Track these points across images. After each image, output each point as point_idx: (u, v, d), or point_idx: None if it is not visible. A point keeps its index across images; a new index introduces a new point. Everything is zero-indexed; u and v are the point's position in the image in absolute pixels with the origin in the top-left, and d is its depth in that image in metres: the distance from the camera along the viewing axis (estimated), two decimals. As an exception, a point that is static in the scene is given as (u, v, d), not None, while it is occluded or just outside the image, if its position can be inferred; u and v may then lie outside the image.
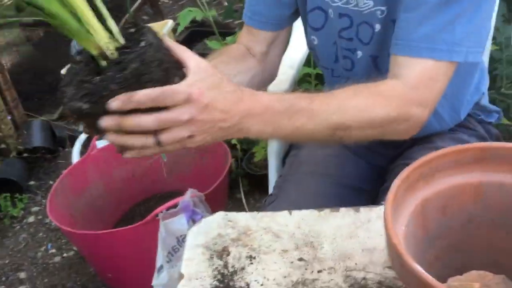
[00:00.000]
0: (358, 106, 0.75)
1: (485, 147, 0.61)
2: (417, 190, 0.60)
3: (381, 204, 0.70)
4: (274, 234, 0.79)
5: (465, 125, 1.02)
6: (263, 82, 1.00)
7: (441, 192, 0.61)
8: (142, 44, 0.61)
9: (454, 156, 0.61)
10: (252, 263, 0.75)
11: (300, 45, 1.22)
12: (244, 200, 1.69)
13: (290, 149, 1.10)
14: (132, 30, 0.65)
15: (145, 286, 1.09)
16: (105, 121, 0.60)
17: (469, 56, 0.79)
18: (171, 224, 1.13)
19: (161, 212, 1.14)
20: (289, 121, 0.71)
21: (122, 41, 0.63)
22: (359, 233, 0.77)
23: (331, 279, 0.71)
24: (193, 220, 1.14)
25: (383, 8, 0.85)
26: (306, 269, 0.74)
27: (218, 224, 0.83)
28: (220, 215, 0.84)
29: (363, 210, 0.79)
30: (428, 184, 0.61)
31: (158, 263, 1.10)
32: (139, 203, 1.57)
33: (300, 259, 0.74)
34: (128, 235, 1.23)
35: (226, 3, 2.84)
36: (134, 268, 1.27)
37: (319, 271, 0.72)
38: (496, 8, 1.07)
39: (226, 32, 1.95)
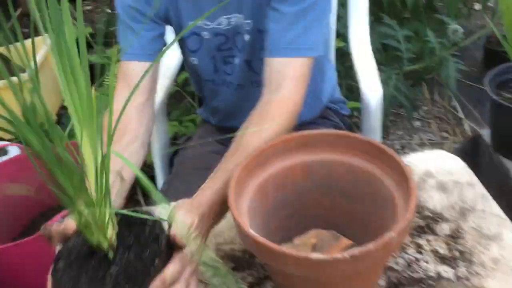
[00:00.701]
0: (260, 142, 0.83)
1: (306, 135, 0.79)
2: (256, 174, 0.76)
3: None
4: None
5: (325, 117, 1.22)
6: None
7: (275, 174, 0.78)
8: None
9: (282, 144, 0.78)
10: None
11: (172, 54, 1.35)
12: (142, 201, 1.79)
13: (177, 149, 1.24)
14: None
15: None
16: None
17: (320, 50, 0.98)
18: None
19: (57, 221, 1.23)
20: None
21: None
22: (228, 214, 0.92)
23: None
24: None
25: (249, 21, 1.01)
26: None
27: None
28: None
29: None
30: (264, 169, 0.77)
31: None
32: (38, 216, 1.61)
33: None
34: (28, 247, 1.29)
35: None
36: (38, 281, 1.33)
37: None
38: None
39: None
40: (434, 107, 2.10)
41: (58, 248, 0.68)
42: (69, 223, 0.66)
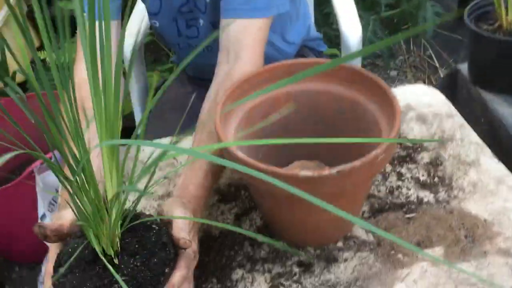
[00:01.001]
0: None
1: (292, 63, 0.79)
2: (242, 103, 0.76)
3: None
4: (140, 161, 0.93)
5: (302, 55, 1.21)
6: None
7: (261, 103, 0.78)
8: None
9: (267, 74, 0.78)
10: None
11: (139, 14, 1.31)
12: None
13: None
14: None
15: (34, 246, 1.14)
16: None
17: (280, 9, 0.94)
18: (47, 177, 1.21)
19: (36, 166, 1.21)
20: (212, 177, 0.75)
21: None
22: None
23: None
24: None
25: None
26: (169, 184, 0.89)
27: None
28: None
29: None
30: (244, 101, 0.77)
31: (40, 213, 1.18)
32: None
33: (165, 177, 0.89)
34: (7, 193, 1.28)
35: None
36: (20, 229, 1.33)
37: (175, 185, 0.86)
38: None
39: None
40: (410, 56, 2.12)
41: (54, 247, 0.65)
42: (64, 220, 0.63)
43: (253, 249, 0.78)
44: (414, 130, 0.92)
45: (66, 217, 0.65)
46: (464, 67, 1.02)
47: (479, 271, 0.70)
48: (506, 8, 0.91)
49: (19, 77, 1.76)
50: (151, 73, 1.76)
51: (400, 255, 0.74)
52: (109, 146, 0.57)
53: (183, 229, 0.63)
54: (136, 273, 0.59)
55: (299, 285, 0.72)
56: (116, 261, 0.61)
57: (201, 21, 1.05)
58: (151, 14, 1.07)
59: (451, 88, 0.97)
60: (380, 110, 0.72)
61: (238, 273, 0.75)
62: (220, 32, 0.91)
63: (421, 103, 0.96)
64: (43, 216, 1.15)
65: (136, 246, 0.62)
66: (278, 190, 0.64)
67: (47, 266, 0.65)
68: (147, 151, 0.91)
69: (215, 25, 1.04)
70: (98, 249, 0.61)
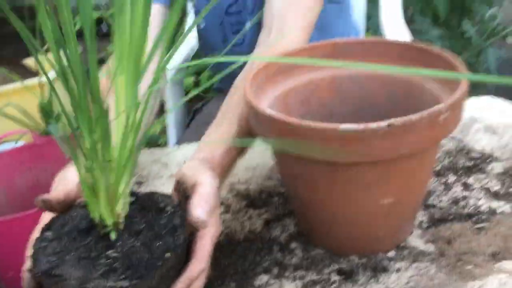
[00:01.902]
0: None
1: (335, 43, 0.69)
2: (277, 82, 0.66)
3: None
4: (162, 164, 0.83)
5: None
6: None
7: (299, 86, 0.68)
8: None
9: (308, 53, 0.69)
10: (141, 189, 0.78)
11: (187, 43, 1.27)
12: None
13: (194, 114, 1.14)
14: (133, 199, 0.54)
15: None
16: None
17: None
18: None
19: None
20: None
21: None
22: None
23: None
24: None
25: None
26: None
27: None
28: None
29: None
30: (286, 78, 0.67)
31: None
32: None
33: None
34: (28, 221, 1.20)
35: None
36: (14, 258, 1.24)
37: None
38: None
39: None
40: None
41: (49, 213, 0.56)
42: (70, 185, 0.55)
43: (283, 255, 0.64)
44: (482, 141, 0.78)
45: (70, 178, 0.56)
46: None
47: None
48: None
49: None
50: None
51: (470, 266, 0.58)
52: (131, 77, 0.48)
53: (202, 206, 0.52)
54: (131, 252, 0.49)
55: (338, 294, 0.57)
56: (113, 236, 0.50)
57: (248, 24, 0.97)
58: (197, 12, 1.01)
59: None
60: (441, 88, 0.60)
61: (262, 279, 0.60)
62: (265, 8, 0.82)
63: (488, 114, 0.83)
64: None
65: (142, 226, 0.52)
66: (319, 159, 0.52)
67: (36, 228, 0.54)
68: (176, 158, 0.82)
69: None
70: (94, 215, 0.51)
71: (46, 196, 0.54)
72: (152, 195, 0.56)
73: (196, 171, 0.56)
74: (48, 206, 0.54)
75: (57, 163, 1.55)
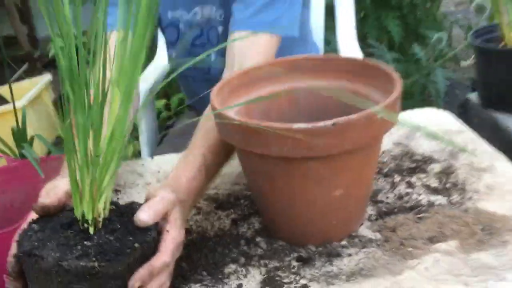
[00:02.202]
0: None
1: (292, 60, 0.79)
2: (240, 95, 0.75)
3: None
4: (138, 174, 0.90)
5: None
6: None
7: (260, 97, 0.77)
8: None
9: (268, 69, 0.78)
10: (118, 197, 0.85)
11: (160, 59, 1.37)
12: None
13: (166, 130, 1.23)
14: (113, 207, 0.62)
15: None
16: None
17: (288, 31, 0.94)
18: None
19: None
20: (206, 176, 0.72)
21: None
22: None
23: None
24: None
25: (221, 11, 1.02)
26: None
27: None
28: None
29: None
30: (248, 91, 0.76)
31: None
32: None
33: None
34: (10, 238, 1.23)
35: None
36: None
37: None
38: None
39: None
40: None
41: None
42: (62, 197, 0.62)
43: (249, 248, 0.71)
44: (423, 146, 0.89)
45: (60, 187, 0.63)
46: (473, 96, 1.00)
47: (499, 257, 0.62)
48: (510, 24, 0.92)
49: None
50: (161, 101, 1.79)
51: (410, 249, 0.67)
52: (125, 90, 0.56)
53: (144, 210, 0.60)
54: (105, 243, 0.57)
55: (297, 276, 0.65)
56: (91, 230, 0.58)
57: (213, 55, 1.07)
58: (169, 43, 1.10)
59: (462, 117, 0.95)
60: (382, 96, 0.70)
61: (231, 267, 0.68)
62: (227, 48, 0.92)
63: (430, 122, 0.94)
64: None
65: (119, 226, 0.60)
66: (272, 150, 0.60)
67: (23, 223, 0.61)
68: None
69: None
70: (77, 213, 0.58)
71: (45, 202, 0.61)
72: (131, 204, 0.63)
73: (156, 189, 0.64)
74: (46, 210, 0.61)
75: (30, 184, 1.59)
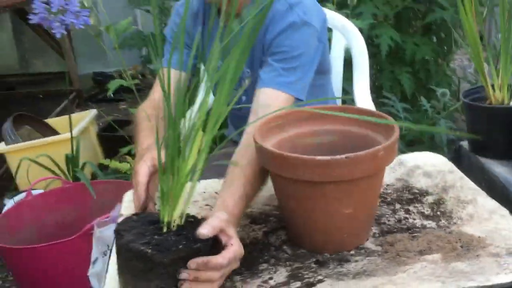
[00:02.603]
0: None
1: (314, 110, 1.00)
2: (275, 133, 0.96)
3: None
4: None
5: None
6: None
7: (289, 137, 0.98)
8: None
9: (295, 115, 0.99)
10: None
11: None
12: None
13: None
14: (191, 219, 0.82)
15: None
16: (184, 275, 0.75)
17: (300, 95, 1.13)
18: (104, 231, 1.38)
19: (97, 220, 1.40)
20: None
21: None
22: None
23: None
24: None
25: (248, 69, 1.25)
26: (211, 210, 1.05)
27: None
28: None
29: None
30: (281, 131, 0.97)
31: (93, 257, 1.33)
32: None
33: (207, 205, 1.06)
34: (65, 247, 1.43)
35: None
36: (66, 282, 1.46)
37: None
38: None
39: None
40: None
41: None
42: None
43: (277, 253, 0.91)
44: (420, 182, 1.08)
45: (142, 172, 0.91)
46: (465, 143, 1.19)
47: (471, 266, 0.81)
48: (493, 86, 1.13)
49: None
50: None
51: (404, 258, 0.85)
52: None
53: (203, 226, 0.78)
54: (165, 240, 0.76)
55: (315, 273, 0.84)
56: (164, 229, 0.78)
57: (244, 98, 1.30)
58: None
59: (455, 161, 1.14)
60: (384, 139, 0.91)
61: (263, 266, 0.87)
62: (254, 99, 1.12)
63: (427, 163, 1.13)
64: (96, 260, 1.30)
65: (185, 233, 0.79)
66: (298, 174, 0.80)
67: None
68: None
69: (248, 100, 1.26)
70: (161, 216, 0.79)
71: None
72: (202, 219, 0.83)
73: (212, 212, 0.86)
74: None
75: (80, 204, 1.81)
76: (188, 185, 0.79)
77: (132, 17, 3.69)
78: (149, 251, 0.74)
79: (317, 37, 1.17)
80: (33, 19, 1.51)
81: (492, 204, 0.97)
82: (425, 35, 2.38)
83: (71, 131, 1.91)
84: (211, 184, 1.13)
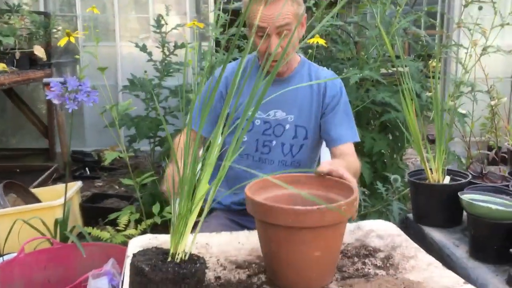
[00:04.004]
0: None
1: (295, 175, 1.26)
2: (260, 193, 1.21)
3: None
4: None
5: None
6: None
7: (272, 197, 1.22)
8: (196, 266, 0.99)
9: (284, 178, 1.24)
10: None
11: None
12: None
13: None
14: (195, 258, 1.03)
15: None
16: None
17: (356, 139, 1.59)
18: (98, 281, 1.55)
19: (92, 273, 1.56)
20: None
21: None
22: (233, 240, 1.32)
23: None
24: (112, 285, 1.58)
25: (292, 116, 1.59)
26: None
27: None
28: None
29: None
30: (266, 191, 1.22)
31: (87, 303, 1.48)
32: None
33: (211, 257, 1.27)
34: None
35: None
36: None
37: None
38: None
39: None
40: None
41: None
42: None
43: (259, 290, 1.11)
44: (374, 242, 1.32)
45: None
46: (410, 215, 1.45)
47: (412, 299, 1.03)
48: (431, 169, 1.42)
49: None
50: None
51: (360, 294, 1.08)
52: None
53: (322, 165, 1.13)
54: (164, 265, 0.98)
55: (290, 303, 1.04)
56: (168, 258, 1.00)
57: (274, 142, 1.61)
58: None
59: (402, 228, 1.40)
60: (345, 198, 1.16)
61: (248, 298, 1.07)
62: (334, 150, 1.55)
63: (380, 228, 1.38)
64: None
65: (184, 264, 1.00)
66: (280, 221, 1.03)
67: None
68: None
69: (283, 145, 1.63)
70: (171, 247, 1.00)
71: None
72: (201, 258, 1.04)
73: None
74: None
75: (67, 265, 1.95)
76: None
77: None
78: (147, 269, 0.95)
79: None
80: (50, 96, 1.77)
81: (429, 258, 1.22)
82: (381, 132, 2.73)
83: (65, 197, 2.09)
84: (215, 238, 1.34)
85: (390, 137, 2.81)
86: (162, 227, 2.51)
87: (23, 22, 3.28)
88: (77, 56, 3.94)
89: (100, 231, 2.47)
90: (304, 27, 1.58)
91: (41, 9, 4.29)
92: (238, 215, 1.68)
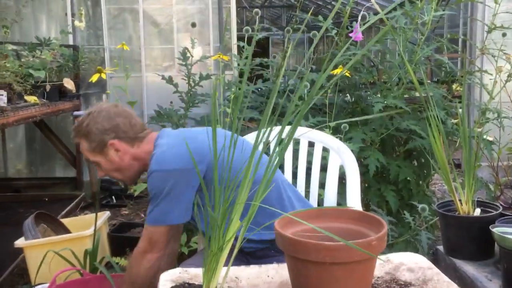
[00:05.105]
0: None
1: (321, 209, 1.26)
2: (288, 228, 1.21)
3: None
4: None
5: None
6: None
7: (299, 230, 1.23)
8: None
9: (306, 214, 1.25)
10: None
11: None
12: None
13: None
14: None
15: None
16: None
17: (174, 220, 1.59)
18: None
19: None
20: None
21: None
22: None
23: None
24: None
25: None
26: None
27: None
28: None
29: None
30: (293, 226, 1.23)
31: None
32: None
33: None
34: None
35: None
36: None
37: None
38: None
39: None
40: None
41: None
42: None
43: (289, 325, 1.11)
44: (405, 275, 1.31)
45: None
46: (440, 247, 1.44)
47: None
48: (460, 200, 1.40)
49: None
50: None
51: (392, 331, 1.07)
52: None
53: None
54: None
55: None
56: None
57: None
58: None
59: (433, 261, 1.38)
60: (375, 233, 1.16)
61: (279, 334, 1.07)
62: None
63: (410, 261, 1.37)
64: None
65: None
66: (311, 256, 1.04)
67: None
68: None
69: None
70: (204, 284, 1.02)
71: None
72: None
73: None
74: None
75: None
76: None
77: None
78: None
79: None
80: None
81: (462, 292, 1.20)
82: (406, 159, 2.72)
83: (95, 227, 2.12)
84: (244, 271, 1.35)
85: (416, 164, 2.79)
86: (189, 256, 2.53)
87: (53, 56, 3.39)
88: (108, 92, 4.04)
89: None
90: (120, 147, 1.74)
91: (70, 42, 4.42)
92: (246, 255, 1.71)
